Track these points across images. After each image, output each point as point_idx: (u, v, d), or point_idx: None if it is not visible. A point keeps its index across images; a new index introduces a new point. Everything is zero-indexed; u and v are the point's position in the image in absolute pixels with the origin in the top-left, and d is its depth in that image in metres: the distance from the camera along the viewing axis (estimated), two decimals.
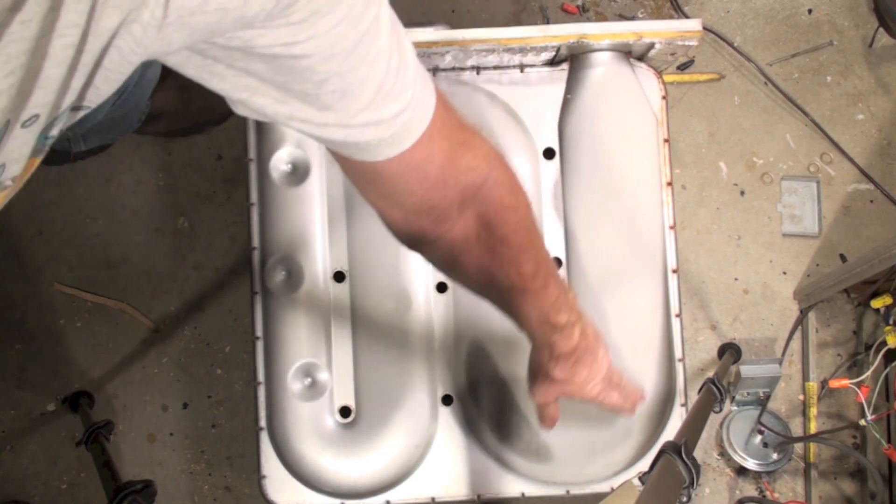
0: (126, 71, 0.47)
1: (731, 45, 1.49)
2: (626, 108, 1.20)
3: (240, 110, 0.59)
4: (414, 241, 0.75)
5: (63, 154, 1.38)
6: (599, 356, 0.91)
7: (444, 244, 0.74)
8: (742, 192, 1.48)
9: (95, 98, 0.49)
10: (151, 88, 1.25)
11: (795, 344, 1.43)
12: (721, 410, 1.17)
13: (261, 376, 1.18)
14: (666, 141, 1.22)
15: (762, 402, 1.36)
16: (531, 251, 0.78)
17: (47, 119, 0.45)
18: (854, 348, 1.43)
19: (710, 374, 1.21)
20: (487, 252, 0.75)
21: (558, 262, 1.21)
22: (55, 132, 0.48)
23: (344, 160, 0.65)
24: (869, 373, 1.24)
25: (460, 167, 0.69)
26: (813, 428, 1.41)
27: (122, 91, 1.07)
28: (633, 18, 1.50)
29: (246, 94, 0.55)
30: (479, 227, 0.73)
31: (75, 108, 0.48)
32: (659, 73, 1.22)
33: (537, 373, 0.91)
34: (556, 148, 1.21)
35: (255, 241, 1.19)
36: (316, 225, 1.19)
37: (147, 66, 1.13)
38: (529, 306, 0.81)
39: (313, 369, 1.18)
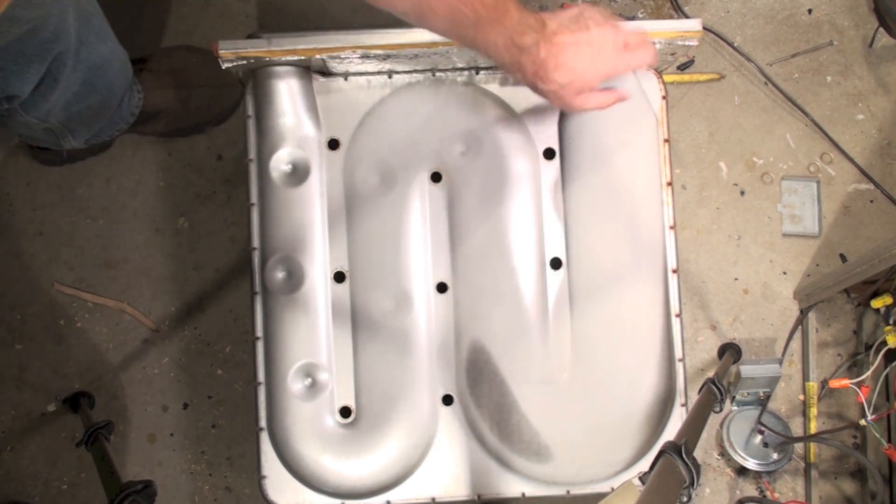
0: None
1: (731, 45, 1.49)
2: (627, 108, 1.20)
3: None
4: None
5: (56, 153, 1.38)
6: (595, 38, 0.95)
7: None
8: (742, 192, 1.48)
9: None
10: (115, 72, 1.23)
11: (795, 344, 1.43)
12: (721, 410, 1.17)
13: (261, 376, 1.18)
14: (666, 141, 1.22)
15: (762, 402, 1.36)
16: None
17: None
18: (854, 348, 1.43)
19: (710, 374, 1.21)
20: None
21: (558, 262, 1.21)
22: None
23: None
24: (869, 373, 1.24)
25: None
26: (813, 428, 1.41)
27: (46, 32, 1.05)
28: (632, 18, 1.50)
29: None
30: None
31: None
32: (659, 73, 1.22)
33: (550, 90, 0.97)
34: (556, 148, 1.21)
35: (255, 241, 1.19)
36: (316, 225, 1.19)
37: (89, 39, 1.12)
38: (495, 34, 0.89)
39: (313, 369, 1.18)
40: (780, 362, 1.33)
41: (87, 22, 1.12)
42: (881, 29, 1.49)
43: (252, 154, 1.20)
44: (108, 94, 1.26)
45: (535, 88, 0.97)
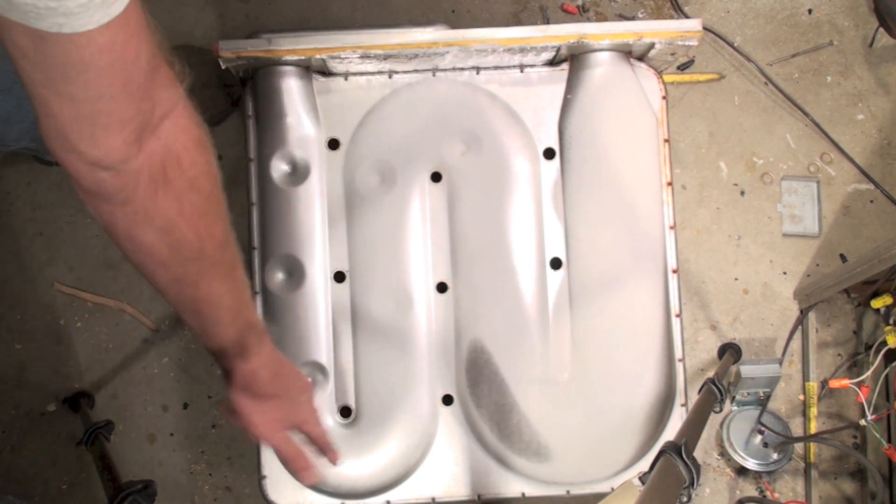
0: None
1: (731, 45, 1.49)
2: (627, 108, 1.21)
3: None
4: (97, 170, 0.62)
5: (44, 162, 1.39)
6: (301, 400, 0.88)
7: (129, 180, 0.63)
8: (742, 192, 1.48)
9: None
10: None
11: (795, 344, 1.43)
12: (721, 410, 1.17)
13: None
14: (666, 141, 1.22)
15: (762, 402, 1.36)
16: (220, 213, 0.71)
17: None
18: (854, 348, 1.43)
19: (710, 374, 1.21)
20: (174, 201, 0.66)
21: (558, 262, 1.21)
22: None
23: (38, 42, 0.53)
24: (869, 373, 1.24)
25: (159, 80, 0.62)
26: (813, 428, 1.41)
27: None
28: (633, 18, 1.50)
29: None
30: (166, 164, 0.64)
31: None
32: (659, 73, 1.22)
33: (244, 410, 0.87)
34: (556, 148, 1.21)
35: (255, 241, 1.19)
36: (316, 225, 1.19)
37: None
38: (223, 287, 0.74)
39: (313, 369, 1.18)
40: (780, 362, 1.33)
41: None
42: (881, 29, 1.48)
43: (252, 154, 1.20)
44: None
45: (236, 382, 0.85)
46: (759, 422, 1.35)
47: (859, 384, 1.23)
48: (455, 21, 1.48)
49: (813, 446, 1.39)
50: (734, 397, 1.37)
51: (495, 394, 1.18)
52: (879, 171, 1.48)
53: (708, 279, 1.46)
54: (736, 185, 1.48)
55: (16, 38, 0.53)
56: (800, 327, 1.41)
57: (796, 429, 1.42)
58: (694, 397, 1.15)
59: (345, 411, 1.19)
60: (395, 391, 1.18)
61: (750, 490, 1.41)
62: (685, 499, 0.83)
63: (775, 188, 1.48)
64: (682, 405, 1.20)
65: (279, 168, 1.19)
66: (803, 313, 1.42)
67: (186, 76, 0.67)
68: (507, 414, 1.18)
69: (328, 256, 1.20)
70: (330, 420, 1.18)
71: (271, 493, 1.18)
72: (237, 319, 0.79)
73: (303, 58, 1.15)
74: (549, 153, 1.22)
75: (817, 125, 1.48)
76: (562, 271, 1.21)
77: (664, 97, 1.22)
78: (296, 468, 0.89)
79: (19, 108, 1.11)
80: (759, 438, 1.37)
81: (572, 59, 1.21)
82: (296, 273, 1.18)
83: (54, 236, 1.44)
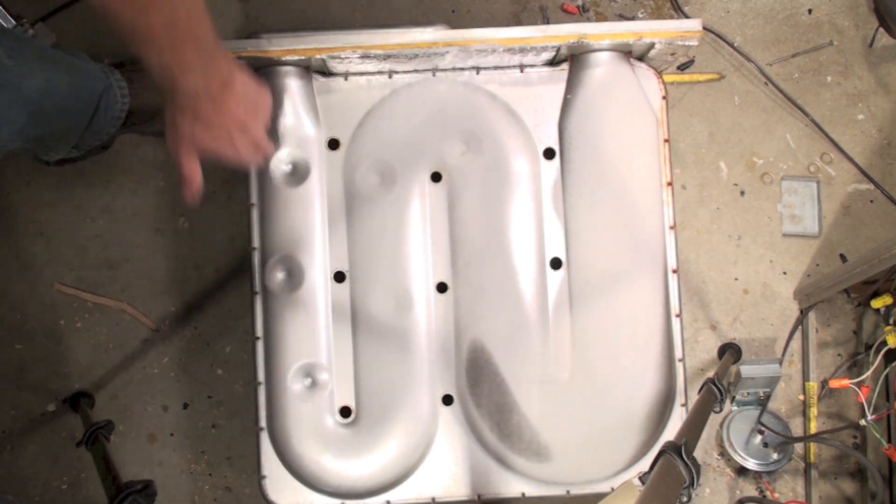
0: None
1: (731, 45, 1.49)
2: (627, 108, 1.21)
3: None
4: None
5: (43, 161, 1.38)
6: (253, 128, 0.96)
7: None
8: (742, 192, 1.48)
9: None
10: (62, 97, 1.19)
11: (795, 344, 1.43)
12: (721, 410, 1.17)
13: (261, 376, 1.18)
14: (666, 141, 1.22)
15: (762, 402, 1.36)
16: (166, 7, 0.77)
17: None
18: (854, 348, 1.43)
19: (710, 374, 1.21)
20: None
21: (558, 262, 1.21)
22: None
23: None
24: (869, 373, 1.24)
25: None
26: (813, 428, 1.41)
27: None
28: (633, 18, 1.50)
29: None
30: None
31: None
32: (659, 73, 1.22)
33: (168, 122, 0.94)
34: (556, 148, 1.21)
35: (255, 241, 1.19)
36: (316, 225, 1.19)
37: (6, 79, 1.09)
38: (154, 58, 0.82)
39: (313, 369, 1.18)
40: (780, 362, 1.33)
41: None
42: (881, 29, 1.48)
43: None
44: (66, 117, 1.23)
45: (170, 112, 0.92)
46: (759, 422, 1.35)
47: (859, 384, 1.23)
48: (455, 21, 1.48)
49: (813, 446, 1.40)
50: (734, 397, 1.37)
51: (495, 394, 1.18)
52: (879, 171, 1.48)
53: (708, 279, 1.46)
54: (736, 185, 1.48)
55: None
56: (800, 327, 1.41)
57: (796, 429, 1.42)
58: (694, 397, 1.15)
59: (345, 411, 1.19)
60: (395, 391, 1.18)
61: (750, 490, 1.41)
62: (685, 499, 0.83)
63: (775, 188, 1.48)
64: (682, 405, 1.20)
65: (279, 168, 1.19)
66: (803, 313, 1.42)
67: None
68: (507, 414, 1.18)
69: (328, 256, 1.20)
70: (329, 420, 1.18)
71: (271, 493, 1.18)
72: (164, 82, 0.85)
73: (303, 58, 1.15)
74: (549, 153, 1.22)
75: (817, 125, 1.48)
76: (562, 271, 1.21)
77: (664, 97, 1.22)
78: (182, 187, 0.98)
79: (9, 110, 1.11)
80: (759, 438, 1.37)
81: (572, 59, 1.21)
82: (296, 273, 1.18)
83: (54, 236, 1.44)
